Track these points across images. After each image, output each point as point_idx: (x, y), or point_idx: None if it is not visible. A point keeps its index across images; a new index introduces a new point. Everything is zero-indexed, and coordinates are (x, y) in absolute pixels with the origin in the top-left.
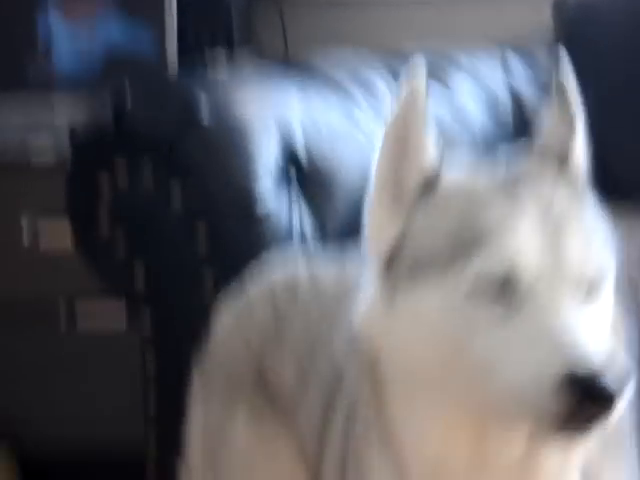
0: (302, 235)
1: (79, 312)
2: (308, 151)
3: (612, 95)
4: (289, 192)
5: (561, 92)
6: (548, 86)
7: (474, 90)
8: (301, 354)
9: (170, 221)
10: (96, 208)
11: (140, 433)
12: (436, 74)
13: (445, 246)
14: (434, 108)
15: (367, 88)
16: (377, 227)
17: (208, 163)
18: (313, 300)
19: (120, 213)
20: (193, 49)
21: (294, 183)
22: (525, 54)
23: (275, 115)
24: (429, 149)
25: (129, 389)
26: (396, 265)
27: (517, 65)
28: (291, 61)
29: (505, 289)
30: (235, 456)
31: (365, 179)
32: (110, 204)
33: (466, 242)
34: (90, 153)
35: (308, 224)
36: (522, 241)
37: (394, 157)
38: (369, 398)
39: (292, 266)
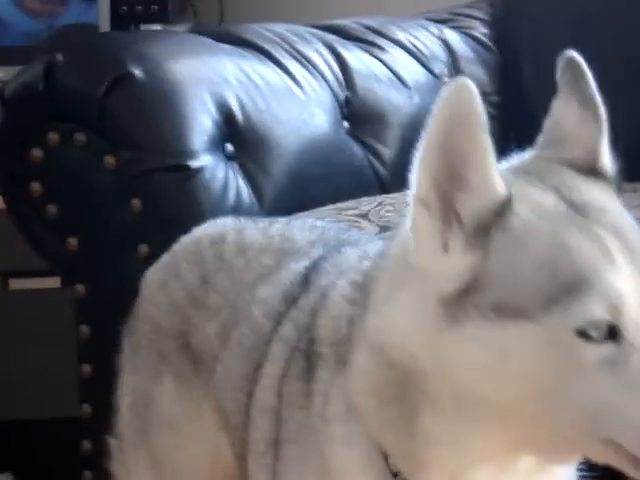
0: (237, 192)
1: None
2: (243, 108)
3: (549, 66)
4: (224, 148)
5: (585, 95)
6: (555, 89)
7: (412, 67)
8: (223, 310)
9: (103, 178)
10: (26, 168)
11: (76, 392)
12: (370, 50)
13: (540, 286)
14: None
15: (302, 60)
16: (429, 254)
17: (140, 118)
18: (238, 254)
19: (51, 171)
20: (127, 27)
21: (229, 140)
22: (463, 30)
23: (209, 71)
24: (493, 167)
25: (64, 348)
26: (471, 298)
27: (455, 41)
28: (226, 33)
29: (612, 330)
30: (161, 420)
31: (302, 137)
32: (41, 163)
33: (565, 283)
34: (20, 111)
35: (244, 181)
36: (624, 281)
37: (441, 172)
38: (384, 399)
39: (220, 221)
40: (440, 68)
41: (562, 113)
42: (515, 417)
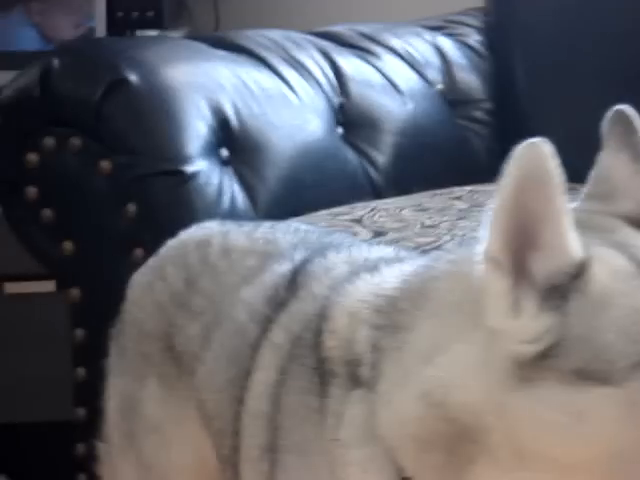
0: (232, 198)
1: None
2: (238, 114)
3: (542, 74)
4: (219, 153)
5: (638, 149)
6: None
7: (406, 73)
8: (207, 312)
9: (98, 182)
10: (22, 172)
11: (70, 396)
12: (364, 57)
13: (623, 352)
14: (365, 88)
15: (297, 66)
16: (501, 314)
17: (135, 123)
18: (223, 257)
19: (47, 176)
20: (123, 32)
21: (224, 145)
22: (457, 37)
23: (204, 77)
24: (569, 228)
25: (59, 351)
26: (549, 361)
27: (449, 48)
28: (221, 39)
29: None
30: (147, 423)
31: (296, 143)
32: (36, 168)
33: None
34: (16, 116)
35: (238, 186)
36: None
37: (514, 231)
38: (432, 447)
39: (206, 224)
40: (433, 75)
41: (612, 166)
42: (580, 475)
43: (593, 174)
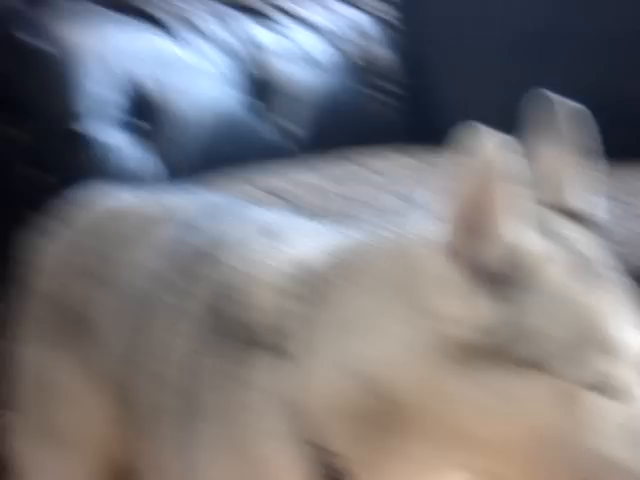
0: (143, 165)
1: None
2: (150, 83)
3: (457, 48)
4: (128, 120)
5: (574, 142)
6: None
7: (323, 47)
8: (121, 284)
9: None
10: None
11: None
12: (282, 30)
13: (565, 344)
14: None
15: (193, 29)
16: (450, 301)
17: (29, 81)
18: (135, 227)
19: None
20: None
21: (134, 112)
22: (374, 13)
23: (107, 41)
24: (513, 222)
25: None
26: (491, 347)
27: (366, 23)
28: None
29: (618, 389)
30: (57, 393)
31: (209, 110)
32: None
33: (588, 342)
34: None
35: (149, 155)
36: (635, 344)
37: (467, 223)
38: (359, 421)
39: (119, 194)
40: (351, 49)
41: (537, 154)
42: (508, 456)
43: (529, 163)
